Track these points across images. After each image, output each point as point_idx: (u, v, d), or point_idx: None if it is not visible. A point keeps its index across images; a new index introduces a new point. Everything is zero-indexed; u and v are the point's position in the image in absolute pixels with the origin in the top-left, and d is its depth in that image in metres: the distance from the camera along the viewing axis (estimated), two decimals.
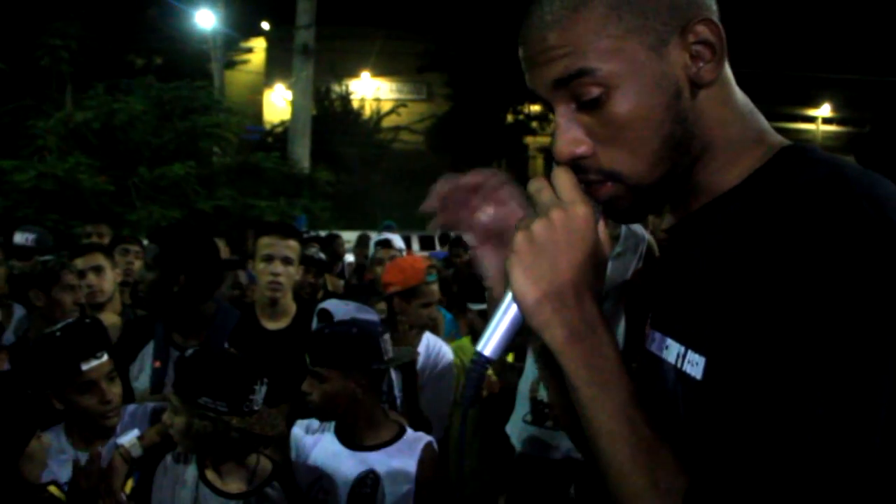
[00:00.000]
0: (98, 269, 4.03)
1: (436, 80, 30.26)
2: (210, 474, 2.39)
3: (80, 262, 4.02)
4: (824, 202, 0.86)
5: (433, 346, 3.66)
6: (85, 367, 2.50)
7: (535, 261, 0.96)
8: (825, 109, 31.86)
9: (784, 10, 26.42)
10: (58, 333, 2.60)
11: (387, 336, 2.73)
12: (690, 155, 1.01)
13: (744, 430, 0.84)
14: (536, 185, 1.01)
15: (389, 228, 9.51)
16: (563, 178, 0.99)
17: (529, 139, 30.60)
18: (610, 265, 3.23)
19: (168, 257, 3.12)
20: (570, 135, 1.01)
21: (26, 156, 12.07)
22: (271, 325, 3.37)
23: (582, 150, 1.01)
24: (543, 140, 28.99)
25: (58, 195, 11.12)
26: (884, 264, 0.81)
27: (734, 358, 0.88)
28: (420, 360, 3.56)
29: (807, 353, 0.81)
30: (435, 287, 3.71)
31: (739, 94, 1.05)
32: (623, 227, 3.22)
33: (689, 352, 0.98)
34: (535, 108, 30.03)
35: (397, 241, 6.38)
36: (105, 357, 2.56)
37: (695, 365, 0.97)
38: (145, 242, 4.37)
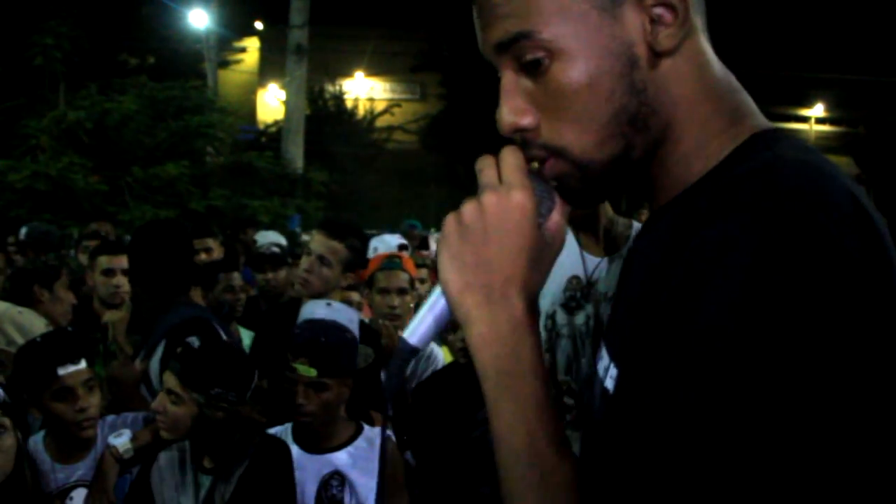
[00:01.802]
0: (126, 271, 4.02)
1: (430, 79, 30.24)
2: (208, 463, 2.42)
3: (105, 261, 4.02)
4: (740, 200, 0.75)
5: (424, 349, 3.63)
6: (62, 372, 2.48)
7: (462, 248, 0.88)
8: (818, 109, 31.92)
9: (776, 10, 26.48)
10: (38, 339, 2.62)
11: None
12: (650, 133, 0.89)
13: (623, 452, 0.76)
14: (481, 164, 0.92)
15: (413, 228, 9.29)
16: (509, 159, 0.90)
17: None
18: (618, 265, 3.21)
19: (141, 252, 3.10)
20: (514, 104, 0.91)
21: (19, 155, 12.04)
22: None
23: (527, 121, 0.91)
24: None
25: (51, 195, 11.09)
26: (794, 273, 0.69)
27: (630, 371, 0.81)
28: (410, 363, 3.53)
29: (692, 371, 0.70)
30: (394, 274, 3.58)
31: (717, 69, 0.92)
32: (635, 227, 3.19)
33: (612, 364, 0.89)
34: None
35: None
36: (83, 364, 2.54)
37: (612, 378, 0.87)
38: None
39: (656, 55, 0.87)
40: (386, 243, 5.62)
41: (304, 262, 3.25)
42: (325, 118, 27.62)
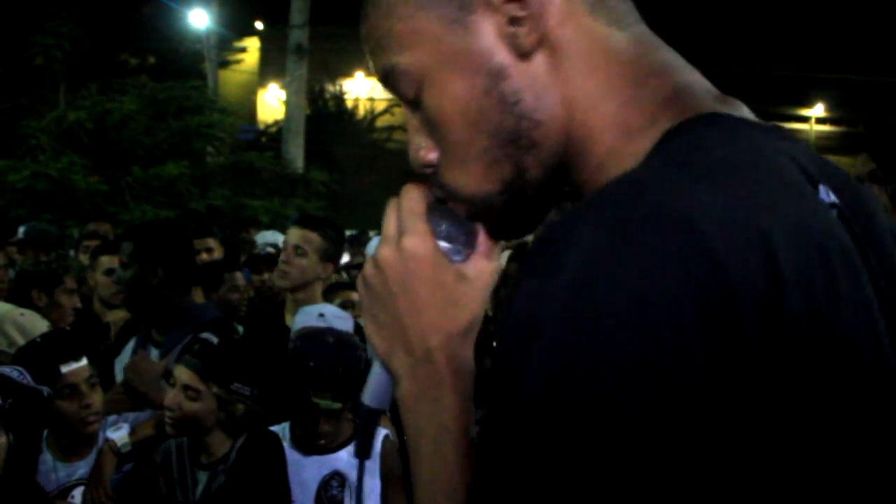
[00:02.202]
0: None
1: None
2: (204, 459, 2.45)
3: (108, 261, 4.01)
4: (537, 261, 0.62)
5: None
6: (65, 369, 2.49)
7: (374, 307, 0.83)
8: (818, 109, 31.90)
9: (776, 9, 26.47)
10: (38, 340, 2.65)
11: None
12: (542, 149, 0.76)
13: None
14: (387, 209, 0.86)
15: None
16: (404, 202, 0.83)
17: None
18: None
19: (144, 252, 3.08)
20: (415, 140, 0.83)
21: (19, 155, 12.05)
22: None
23: (431, 156, 0.82)
24: None
25: (51, 195, 11.09)
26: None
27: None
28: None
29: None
30: None
31: (622, 50, 0.76)
32: None
33: None
34: None
35: None
36: (85, 362, 2.56)
37: None
38: None
39: (523, 57, 0.75)
40: None
41: (282, 255, 3.33)
42: (325, 118, 27.62)
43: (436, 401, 0.79)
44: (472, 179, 0.79)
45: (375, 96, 31.12)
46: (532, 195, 0.80)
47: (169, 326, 3.10)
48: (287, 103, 17.89)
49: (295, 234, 3.33)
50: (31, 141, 12.32)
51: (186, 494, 2.40)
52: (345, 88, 30.45)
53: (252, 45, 28.24)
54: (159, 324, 3.15)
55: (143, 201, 11.74)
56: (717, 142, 0.68)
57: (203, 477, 2.41)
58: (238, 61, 26.41)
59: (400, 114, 23.99)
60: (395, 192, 0.90)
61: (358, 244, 9.04)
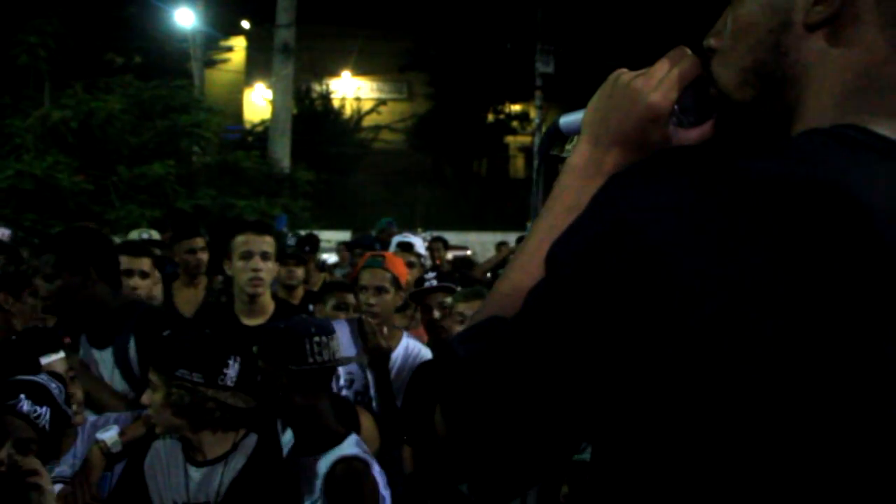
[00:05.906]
0: (144, 275, 3.99)
1: (417, 79, 30.25)
2: (199, 456, 2.44)
3: (125, 261, 3.96)
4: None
5: (412, 349, 3.65)
6: (44, 361, 2.51)
7: (602, 99, 1.05)
8: None
9: None
10: (13, 338, 2.71)
11: (320, 338, 2.50)
12: (780, 100, 0.94)
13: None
14: (673, 52, 1.03)
15: (390, 227, 9.08)
16: (683, 64, 1.00)
17: (510, 138, 30.61)
18: None
19: (70, 260, 3.05)
20: (718, 24, 1.00)
21: (3, 155, 11.96)
22: (250, 322, 3.37)
23: (712, 41, 1.00)
24: (524, 139, 29.02)
25: (35, 194, 11.03)
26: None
27: None
28: (398, 361, 3.55)
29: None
30: (375, 272, 3.60)
31: (883, 74, 0.88)
32: None
33: None
34: (516, 107, 30.02)
35: (419, 245, 5.78)
36: (62, 354, 2.58)
37: None
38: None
39: (808, 29, 0.88)
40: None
41: (247, 263, 3.35)
42: (311, 118, 27.58)
43: (575, 179, 1.02)
44: (726, 80, 0.96)
45: (362, 96, 31.10)
46: (766, 121, 0.95)
47: (110, 326, 3.05)
48: (273, 103, 17.85)
49: (255, 240, 3.40)
50: (15, 140, 12.23)
51: (178, 491, 2.40)
52: (331, 88, 30.41)
53: (238, 44, 28.16)
54: (97, 326, 3.07)
55: (129, 201, 11.69)
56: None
57: (196, 474, 2.41)
58: (224, 60, 26.35)
59: (386, 113, 23.79)
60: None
61: (365, 246, 8.37)
